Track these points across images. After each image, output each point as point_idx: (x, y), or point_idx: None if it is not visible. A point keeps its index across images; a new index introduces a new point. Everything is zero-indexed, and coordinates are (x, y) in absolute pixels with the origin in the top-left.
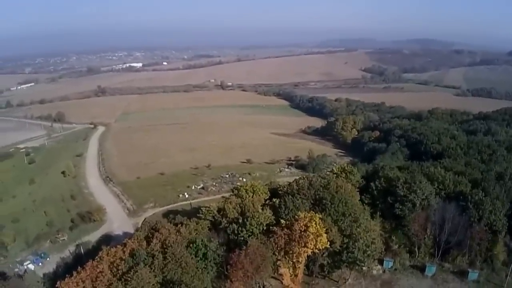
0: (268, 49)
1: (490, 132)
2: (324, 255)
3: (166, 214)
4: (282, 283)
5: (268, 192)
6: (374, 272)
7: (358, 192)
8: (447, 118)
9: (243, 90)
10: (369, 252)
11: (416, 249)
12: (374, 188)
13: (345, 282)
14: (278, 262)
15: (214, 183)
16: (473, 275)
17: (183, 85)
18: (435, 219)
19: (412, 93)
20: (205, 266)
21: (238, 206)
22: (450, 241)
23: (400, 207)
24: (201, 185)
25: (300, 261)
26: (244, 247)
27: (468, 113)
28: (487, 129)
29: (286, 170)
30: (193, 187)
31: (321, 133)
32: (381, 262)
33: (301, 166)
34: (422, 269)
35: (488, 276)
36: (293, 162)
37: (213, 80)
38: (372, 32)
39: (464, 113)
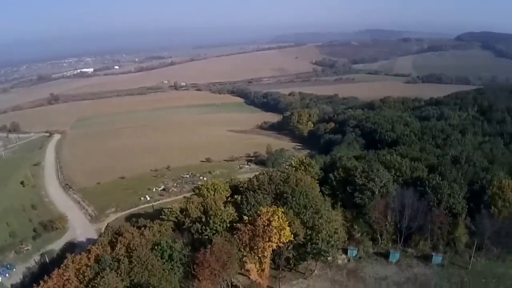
0: (221, 47)
1: (443, 117)
2: (289, 248)
3: (128, 218)
4: (249, 278)
5: (229, 190)
6: (339, 261)
7: (317, 184)
8: (400, 106)
9: (197, 90)
10: (332, 242)
11: (378, 236)
12: (333, 179)
13: (311, 274)
14: (244, 258)
15: (175, 184)
16: (437, 258)
17: (136, 88)
18: (395, 206)
19: (363, 83)
20: (172, 267)
21: (200, 205)
22: (411, 226)
23: (360, 196)
24: (162, 187)
25: (265, 255)
26: (209, 245)
27: (420, 100)
28: (439, 114)
29: (246, 166)
30: (154, 189)
31: (277, 128)
32: (345, 251)
33: (261, 162)
34: (386, 255)
35: (452, 258)
36: (252, 158)
37: (166, 81)
38: (321, 26)
39: (415, 100)
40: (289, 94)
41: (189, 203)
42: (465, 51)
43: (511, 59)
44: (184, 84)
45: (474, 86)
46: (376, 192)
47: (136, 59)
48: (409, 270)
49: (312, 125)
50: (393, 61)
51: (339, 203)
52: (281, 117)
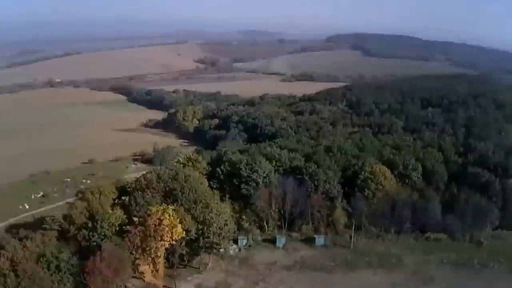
0: (99, 42)
1: (315, 111)
2: (182, 244)
3: (8, 230)
4: (144, 281)
5: (116, 191)
6: (231, 252)
7: (206, 179)
8: (277, 102)
9: (76, 87)
10: (223, 234)
11: (265, 224)
12: (220, 172)
13: (206, 267)
14: (137, 261)
15: (56, 190)
16: (319, 240)
17: (6, 86)
18: (278, 194)
19: (243, 82)
20: (60, 278)
21: (85, 210)
22: (294, 212)
23: (246, 187)
24: (42, 193)
25: (159, 255)
26: (99, 252)
27: (294, 96)
28: (312, 108)
29: (133, 166)
30: (33, 197)
31: (163, 126)
32: (236, 241)
33: (148, 160)
34: (273, 241)
35: (334, 239)
36: (139, 157)
37: (41, 78)
38: (202, 23)
39: (291, 97)
40: (174, 91)
41: (73, 209)
42: (335, 51)
43: (378, 57)
44: (60, 80)
45: (344, 83)
46: (260, 183)
47: (8, 54)
48: (296, 253)
49: (198, 122)
50: (270, 60)
51: (227, 195)
52: (166, 114)
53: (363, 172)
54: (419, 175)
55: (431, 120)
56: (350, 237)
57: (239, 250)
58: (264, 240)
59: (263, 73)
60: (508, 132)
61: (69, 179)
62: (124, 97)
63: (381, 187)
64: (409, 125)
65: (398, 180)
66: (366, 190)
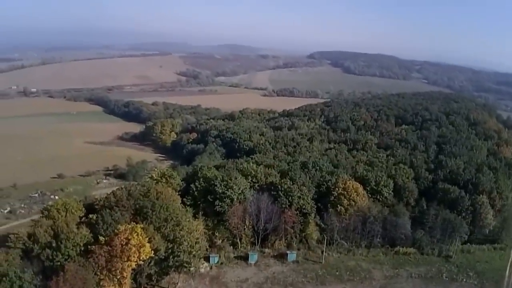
0: (77, 51)
1: (293, 126)
2: (150, 264)
3: None
4: None
5: (84, 209)
6: (202, 270)
7: (179, 195)
8: (256, 117)
9: (50, 96)
10: (194, 252)
11: (238, 240)
12: (194, 189)
13: (175, 287)
14: (102, 282)
15: (22, 205)
16: (291, 256)
17: None
18: (252, 210)
19: (225, 95)
20: None
21: (50, 228)
22: (267, 228)
23: (220, 203)
24: (8, 209)
25: (125, 276)
26: (62, 272)
27: (274, 111)
28: (291, 124)
29: (105, 181)
30: None
31: (140, 139)
32: (207, 259)
33: (121, 175)
34: (245, 258)
35: (306, 254)
36: (112, 172)
37: (15, 87)
38: (185, 36)
39: (270, 112)
40: (153, 104)
41: (37, 227)
42: (315, 68)
43: (357, 75)
44: (35, 90)
45: (322, 100)
46: (235, 199)
47: None
48: (268, 270)
49: (175, 136)
50: (252, 75)
51: (200, 212)
52: (144, 127)
53: (336, 188)
54: (390, 191)
55: (404, 137)
56: (322, 252)
57: (211, 268)
58: (237, 257)
59: (245, 87)
60: (479, 149)
61: (36, 194)
62: (100, 108)
63: (353, 203)
64: (383, 142)
65: (370, 195)
66: (339, 205)
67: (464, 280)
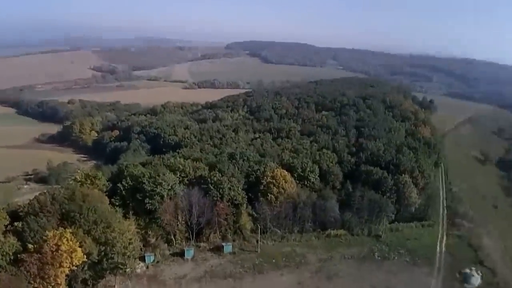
0: None
1: (218, 118)
2: (84, 269)
3: None
4: None
5: (8, 216)
6: (138, 270)
7: (106, 196)
8: (179, 111)
9: None
10: (128, 253)
11: (172, 237)
12: (122, 188)
13: None
14: None
15: None
16: (227, 248)
17: None
18: (184, 205)
19: (144, 90)
20: None
21: None
22: (201, 222)
23: (150, 201)
24: None
25: (59, 282)
26: None
27: (197, 104)
28: (215, 116)
29: (26, 186)
30: None
31: (58, 140)
32: (142, 258)
33: (42, 179)
34: (182, 254)
35: (241, 245)
36: (32, 177)
37: None
38: (97, 30)
39: (193, 104)
40: (68, 102)
41: None
42: (234, 58)
43: (275, 64)
44: None
45: (244, 90)
46: (165, 196)
47: None
48: (205, 263)
49: (96, 134)
50: (171, 68)
51: (130, 212)
52: (61, 127)
53: (265, 177)
54: (317, 176)
55: (325, 123)
56: (257, 241)
57: (147, 267)
58: (173, 254)
59: (164, 81)
60: (397, 131)
61: None
62: (13, 110)
63: (282, 190)
64: (306, 129)
65: (298, 182)
66: (269, 194)
67: (396, 258)
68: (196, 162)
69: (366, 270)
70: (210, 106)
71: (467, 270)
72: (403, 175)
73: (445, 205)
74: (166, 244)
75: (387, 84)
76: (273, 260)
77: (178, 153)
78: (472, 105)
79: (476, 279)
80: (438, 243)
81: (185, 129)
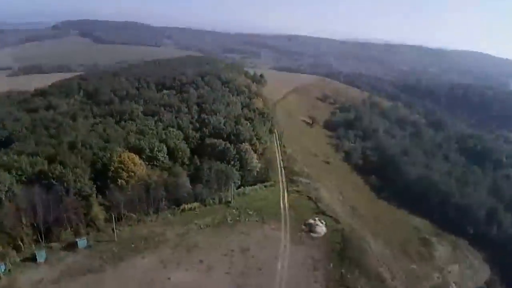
0: None
1: (51, 106)
2: None
3: None
4: None
5: None
6: None
7: None
8: (6, 101)
9: None
10: None
11: (20, 242)
12: None
13: None
14: None
15: None
16: (82, 243)
17: None
18: (26, 206)
19: None
20: None
21: None
22: (48, 221)
23: None
24: None
25: None
26: None
27: (26, 92)
28: (47, 104)
29: None
30: None
31: None
32: None
33: None
34: (33, 258)
35: (97, 237)
36: None
37: None
38: None
39: (21, 93)
40: None
41: None
42: (63, 39)
43: (109, 44)
44: None
45: (77, 73)
46: (3, 198)
47: None
48: (60, 263)
49: None
50: None
51: None
52: None
53: (112, 163)
54: (165, 155)
55: (167, 101)
56: (113, 230)
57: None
58: (24, 260)
59: None
60: (234, 104)
61: None
62: None
63: (132, 173)
64: (149, 109)
65: (147, 163)
66: (119, 180)
67: (247, 219)
68: (32, 157)
69: (222, 235)
70: (41, 93)
71: (311, 221)
72: (243, 143)
73: (282, 166)
74: (14, 251)
75: (221, 62)
76: (132, 245)
77: (10, 149)
78: (297, 76)
79: (321, 228)
80: (281, 200)
81: (15, 121)
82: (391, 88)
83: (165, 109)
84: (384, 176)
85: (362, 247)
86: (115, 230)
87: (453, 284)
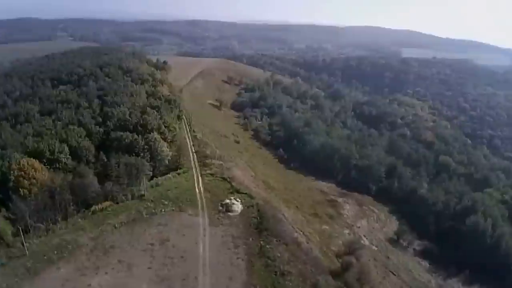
0: None
1: None
2: None
3: None
4: None
5: None
6: None
7: None
8: None
9: None
10: None
11: None
12: None
13: None
14: None
15: None
16: None
17: None
18: None
19: None
20: None
21: None
22: None
23: None
24: None
25: None
26: None
27: None
28: None
29: None
30: None
31: None
32: None
33: None
34: None
35: (8, 253)
36: None
37: None
38: None
39: None
40: None
41: None
42: None
43: (1, 44)
44: None
45: None
46: None
47: None
48: None
49: None
50: None
51: None
52: None
53: (12, 172)
54: (68, 156)
55: (65, 98)
56: (23, 244)
57: None
58: None
59: None
60: (138, 94)
61: None
62: None
63: (34, 180)
64: (45, 108)
65: (49, 167)
66: (20, 189)
67: (163, 210)
68: None
69: (139, 231)
70: None
71: (227, 200)
72: (152, 133)
73: (193, 150)
74: None
75: (121, 51)
76: (45, 257)
77: None
78: (202, 60)
79: (237, 206)
80: (196, 185)
81: None
82: (291, 66)
83: (63, 106)
84: (291, 149)
85: (277, 217)
86: (24, 244)
87: (364, 237)
